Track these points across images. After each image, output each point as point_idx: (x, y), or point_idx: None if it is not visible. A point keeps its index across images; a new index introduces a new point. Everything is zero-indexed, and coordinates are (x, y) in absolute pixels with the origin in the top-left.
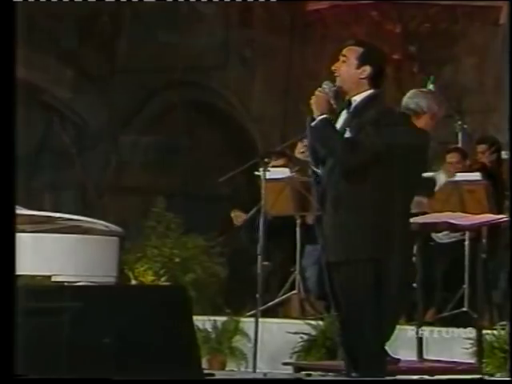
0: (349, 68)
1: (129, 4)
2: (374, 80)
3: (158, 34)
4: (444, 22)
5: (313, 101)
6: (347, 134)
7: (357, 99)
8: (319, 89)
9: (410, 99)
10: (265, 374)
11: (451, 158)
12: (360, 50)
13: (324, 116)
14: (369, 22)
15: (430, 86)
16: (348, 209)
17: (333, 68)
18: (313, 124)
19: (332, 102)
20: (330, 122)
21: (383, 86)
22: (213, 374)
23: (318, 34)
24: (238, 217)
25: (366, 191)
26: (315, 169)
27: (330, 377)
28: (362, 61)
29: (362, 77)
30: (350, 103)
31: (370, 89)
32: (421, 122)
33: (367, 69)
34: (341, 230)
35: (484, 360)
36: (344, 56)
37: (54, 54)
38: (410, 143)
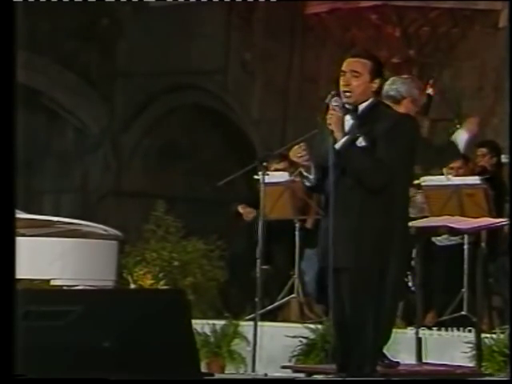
0: (362, 82)
1: (129, 7)
2: (379, 90)
3: (158, 37)
4: (443, 26)
5: (332, 121)
6: (361, 142)
7: (361, 107)
8: (332, 107)
9: (389, 86)
10: (265, 374)
11: (453, 163)
12: (369, 63)
13: (347, 137)
14: (369, 25)
15: (429, 90)
16: (357, 216)
17: (343, 83)
18: (338, 146)
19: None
20: (353, 143)
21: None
22: (212, 374)
23: (317, 38)
24: (249, 213)
25: (376, 199)
26: (307, 173)
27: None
28: (375, 74)
29: (373, 89)
30: (355, 109)
31: (372, 97)
32: (401, 108)
33: (377, 81)
34: (348, 236)
35: (483, 364)
36: (355, 72)
37: (55, 57)
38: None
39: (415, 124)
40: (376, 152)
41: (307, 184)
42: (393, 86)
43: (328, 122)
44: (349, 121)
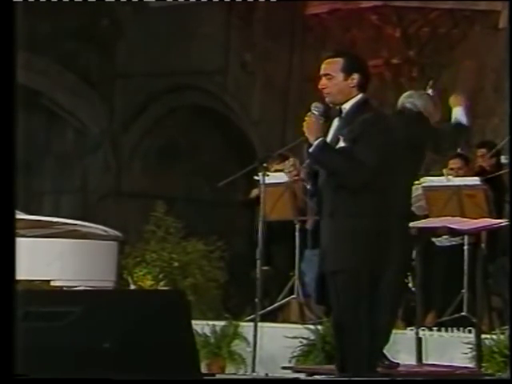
0: (336, 82)
1: (129, 8)
2: (362, 85)
3: (158, 38)
4: (444, 27)
5: (305, 127)
6: (341, 143)
7: (347, 106)
8: (309, 113)
9: (406, 98)
10: (266, 374)
11: (454, 163)
12: (341, 60)
13: (320, 140)
14: (369, 26)
15: (429, 91)
16: (345, 217)
17: (320, 87)
18: (310, 150)
19: (322, 122)
20: (327, 145)
21: (368, 89)
22: (213, 374)
23: (317, 38)
24: None
25: (365, 199)
26: (308, 185)
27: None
28: (348, 70)
29: (352, 85)
30: (340, 111)
31: (357, 94)
32: None
33: (356, 76)
34: (338, 238)
35: (483, 364)
36: (327, 74)
37: (55, 57)
38: (407, 139)
39: (404, 120)
40: (354, 151)
41: (309, 194)
42: (409, 98)
43: (303, 128)
44: (335, 124)
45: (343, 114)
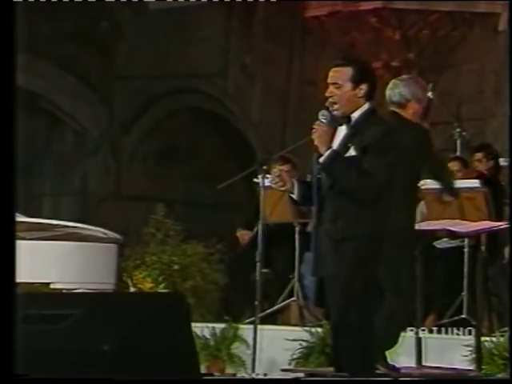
0: (345, 92)
1: (129, 10)
2: (369, 94)
3: (158, 40)
4: (443, 29)
5: (315, 136)
6: (351, 152)
7: (355, 115)
8: (317, 122)
9: (392, 90)
10: (265, 374)
11: (452, 166)
12: (350, 69)
13: (331, 150)
14: (368, 28)
15: (429, 93)
16: (347, 224)
17: (327, 95)
18: (321, 160)
19: (331, 130)
20: (338, 155)
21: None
22: (212, 374)
23: (317, 41)
24: (244, 234)
25: (368, 207)
26: (295, 196)
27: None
28: (357, 80)
29: (360, 95)
30: (349, 120)
31: (365, 103)
32: (408, 112)
33: (364, 87)
34: (338, 244)
35: (483, 367)
36: (335, 83)
37: (55, 60)
38: (414, 150)
39: (412, 133)
40: (364, 163)
41: (295, 199)
42: (395, 90)
43: (312, 136)
44: (342, 131)
45: (352, 123)
